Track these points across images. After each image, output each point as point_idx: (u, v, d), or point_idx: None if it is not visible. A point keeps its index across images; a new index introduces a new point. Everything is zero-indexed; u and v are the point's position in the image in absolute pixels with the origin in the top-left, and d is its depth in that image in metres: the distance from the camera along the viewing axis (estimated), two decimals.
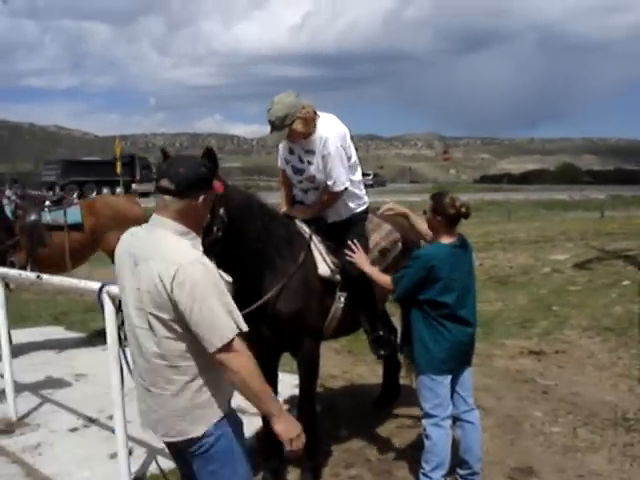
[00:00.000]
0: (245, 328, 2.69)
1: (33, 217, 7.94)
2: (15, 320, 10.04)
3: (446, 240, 4.33)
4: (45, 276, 5.29)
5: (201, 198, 2.80)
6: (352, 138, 4.74)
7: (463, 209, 4.25)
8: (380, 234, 5.12)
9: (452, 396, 4.46)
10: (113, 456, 4.73)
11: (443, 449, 4.34)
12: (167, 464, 4.98)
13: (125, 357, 4.10)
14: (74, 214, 8.10)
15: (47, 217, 8.00)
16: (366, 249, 4.74)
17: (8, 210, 7.88)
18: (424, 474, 4.35)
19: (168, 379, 2.76)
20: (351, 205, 4.87)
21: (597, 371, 7.16)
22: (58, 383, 6.96)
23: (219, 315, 2.63)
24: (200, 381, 2.77)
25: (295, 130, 4.41)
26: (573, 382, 6.82)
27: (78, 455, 5.18)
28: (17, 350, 8.30)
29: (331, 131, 4.50)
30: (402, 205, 5.17)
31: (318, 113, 4.55)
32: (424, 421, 4.41)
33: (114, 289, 4.26)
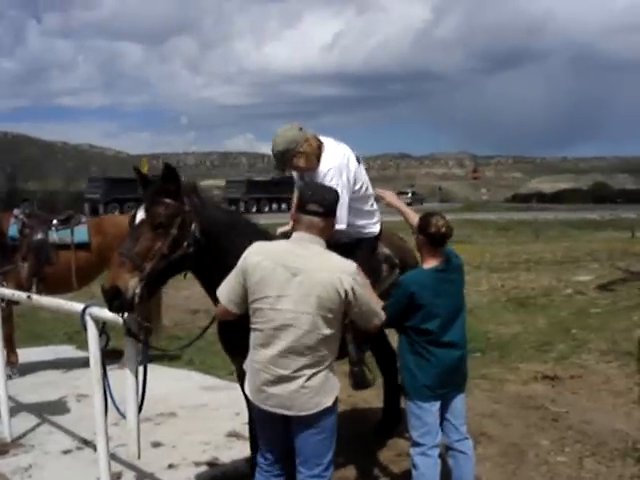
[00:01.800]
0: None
1: (40, 236, 7.93)
2: (28, 338, 10.09)
3: (430, 263, 4.19)
4: (34, 296, 5.28)
5: (335, 218, 3.64)
6: (366, 165, 4.63)
7: (443, 229, 4.11)
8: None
9: (443, 424, 4.30)
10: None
11: (431, 479, 4.18)
12: None
13: (107, 382, 4.07)
14: (81, 233, 8.08)
15: (54, 236, 7.98)
16: (370, 275, 4.57)
17: (15, 229, 7.87)
18: None
19: (313, 365, 3.40)
20: (360, 230, 4.77)
21: (612, 398, 6.92)
22: (58, 404, 6.90)
23: (377, 305, 3.73)
24: (330, 365, 3.48)
25: (297, 165, 4.39)
26: (585, 409, 6.58)
27: (66, 478, 5.10)
28: (24, 369, 8.30)
29: (331, 166, 4.38)
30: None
31: (323, 144, 4.47)
32: (411, 450, 4.27)
33: (97, 311, 4.19)
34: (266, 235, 4.19)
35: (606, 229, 33.53)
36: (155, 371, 8.43)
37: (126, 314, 3.89)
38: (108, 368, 8.28)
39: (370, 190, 4.81)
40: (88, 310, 4.24)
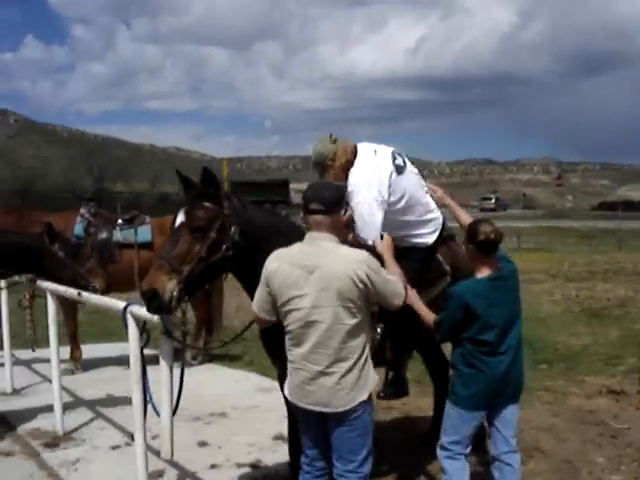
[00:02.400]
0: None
1: (105, 235, 8.14)
2: (100, 335, 10.36)
3: (483, 272, 4.06)
4: (85, 294, 5.40)
5: (342, 213, 3.59)
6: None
7: (492, 235, 3.97)
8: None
9: (492, 433, 4.20)
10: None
11: None
12: None
13: (146, 381, 4.15)
14: (144, 233, 8.24)
15: (118, 235, 8.18)
16: (417, 284, 4.46)
17: (81, 228, 8.10)
18: None
19: (344, 358, 3.46)
20: (410, 240, 4.67)
21: None
22: (115, 400, 7.01)
23: (395, 284, 3.65)
24: (363, 358, 3.53)
25: (329, 179, 4.35)
26: None
27: (111, 473, 5.19)
28: (89, 365, 8.53)
29: (356, 181, 4.31)
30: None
31: (354, 157, 4.41)
32: (438, 452, 4.20)
33: (137, 309, 4.25)
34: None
35: None
36: (215, 371, 8.60)
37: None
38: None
39: (420, 199, 4.65)
40: (129, 308, 4.30)
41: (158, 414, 4.30)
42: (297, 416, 3.75)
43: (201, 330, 8.83)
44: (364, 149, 4.50)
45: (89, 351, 8.83)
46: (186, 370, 8.54)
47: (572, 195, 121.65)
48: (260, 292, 3.68)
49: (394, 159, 4.49)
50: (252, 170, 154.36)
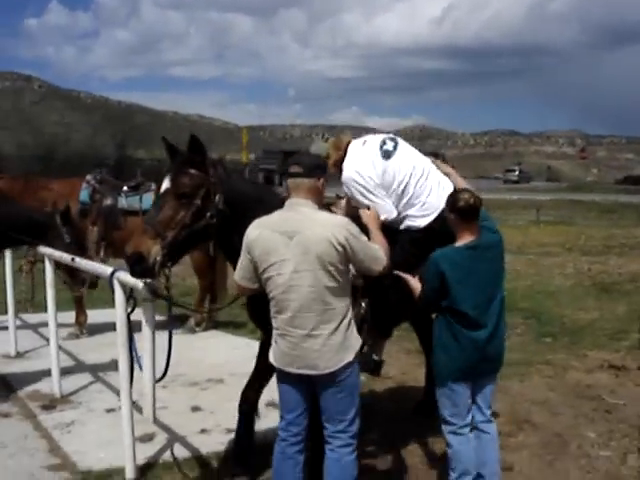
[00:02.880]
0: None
1: (110, 201, 8.19)
2: (108, 300, 10.45)
3: (463, 240, 4.04)
4: (78, 259, 5.46)
5: (320, 180, 3.69)
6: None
7: (472, 200, 3.98)
8: None
9: (472, 404, 4.22)
10: (135, 440, 4.75)
11: (466, 455, 4.12)
12: (183, 453, 5.04)
13: (133, 346, 4.23)
14: (149, 200, 8.26)
15: (123, 202, 8.23)
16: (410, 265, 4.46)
17: (86, 194, 8.16)
18: None
19: (328, 320, 3.53)
20: (403, 221, 4.62)
21: None
22: (115, 364, 7.02)
23: (375, 250, 3.74)
24: (346, 320, 3.61)
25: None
26: None
27: (103, 436, 5.26)
28: (95, 329, 8.63)
29: (347, 175, 4.52)
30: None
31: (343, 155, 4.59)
32: (443, 428, 4.22)
33: (124, 275, 4.29)
34: None
35: None
36: (217, 338, 8.68)
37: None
38: (174, 333, 8.60)
39: (412, 183, 4.53)
40: (116, 274, 4.34)
41: (141, 368, 4.39)
42: (281, 382, 3.78)
43: (205, 298, 8.89)
44: (354, 143, 4.64)
45: (97, 316, 8.92)
46: (189, 337, 8.75)
47: (597, 168, 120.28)
48: (242, 260, 3.73)
49: (382, 145, 4.56)
50: (275, 139, 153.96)
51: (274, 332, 3.69)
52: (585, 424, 5.71)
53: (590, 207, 35.43)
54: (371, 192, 4.42)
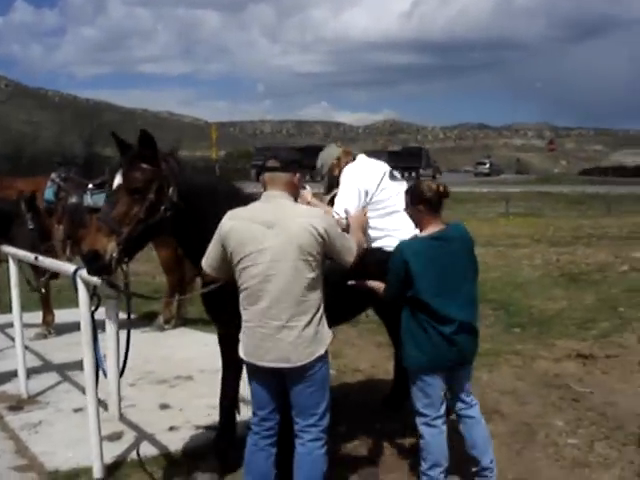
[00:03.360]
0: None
1: (75, 199, 8.09)
2: (76, 299, 10.34)
3: (427, 231, 4.07)
4: (40, 257, 5.41)
5: (296, 174, 3.76)
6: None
7: (441, 188, 4.06)
8: None
9: (450, 396, 4.29)
10: (103, 439, 4.71)
11: (437, 447, 4.15)
12: (152, 450, 5.00)
13: (97, 345, 4.20)
14: None
15: (89, 200, 8.12)
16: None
17: (51, 192, 8.06)
18: (423, 472, 4.19)
19: (303, 312, 3.55)
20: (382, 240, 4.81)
21: None
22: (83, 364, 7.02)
23: (350, 241, 3.85)
24: (319, 313, 3.63)
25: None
26: (612, 390, 6.31)
27: (71, 436, 5.19)
28: (63, 329, 8.52)
29: (347, 173, 4.93)
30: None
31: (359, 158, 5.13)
32: (416, 420, 4.23)
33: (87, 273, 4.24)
34: (249, 199, 4.14)
35: None
36: (186, 335, 8.64)
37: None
38: (141, 330, 8.52)
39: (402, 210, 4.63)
40: (79, 272, 4.29)
41: (106, 375, 4.33)
42: (251, 376, 3.76)
43: (174, 294, 8.82)
44: (363, 156, 5.17)
45: (65, 316, 8.81)
46: (158, 334, 8.69)
47: (566, 160, 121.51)
48: (213, 250, 3.74)
49: (392, 170, 5.07)
50: (245, 135, 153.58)
51: (244, 325, 3.67)
52: (553, 413, 5.75)
53: (558, 199, 35.83)
54: (357, 188, 4.70)
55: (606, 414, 5.68)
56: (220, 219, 3.88)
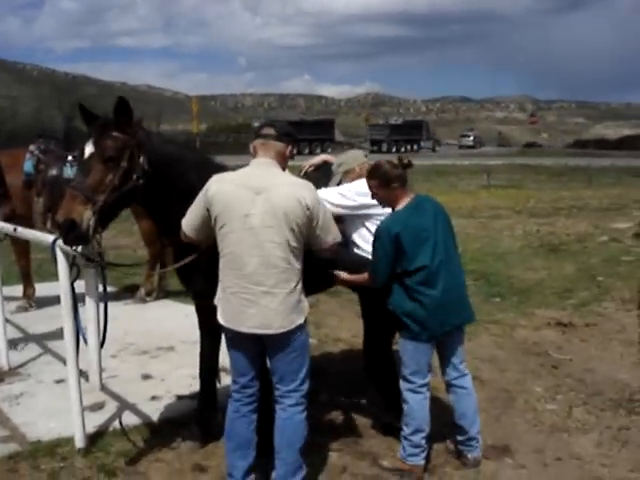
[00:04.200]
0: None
1: (55, 171, 8.00)
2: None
3: (404, 202, 4.14)
4: (20, 229, 5.36)
5: (288, 146, 3.79)
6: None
7: (405, 160, 4.20)
8: None
9: (442, 362, 4.36)
10: (85, 409, 4.72)
11: (421, 413, 4.22)
12: (134, 420, 5.02)
13: (77, 316, 4.19)
14: None
15: (69, 172, 8.03)
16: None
17: (30, 165, 7.97)
18: (405, 437, 4.25)
19: (287, 279, 3.57)
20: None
21: (622, 347, 6.73)
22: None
23: (333, 223, 3.80)
24: (300, 283, 3.66)
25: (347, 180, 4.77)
26: (590, 357, 6.42)
27: (53, 406, 5.19)
28: (44, 302, 8.48)
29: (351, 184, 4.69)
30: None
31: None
32: (401, 385, 4.28)
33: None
34: (220, 169, 4.13)
35: None
36: (168, 307, 8.62)
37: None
38: (123, 303, 8.49)
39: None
40: (58, 242, 4.26)
41: (86, 343, 4.33)
42: (231, 344, 3.77)
43: (155, 266, 8.80)
44: None
45: (46, 289, 8.76)
46: (140, 306, 8.67)
47: (547, 133, 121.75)
48: (195, 211, 3.73)
49: None
50: (226, 108, 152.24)
51: (225, 292, 3.66)
52: (532, 379, 5.83)
53: (540, 171, 35.96)
54: (357, 201, 4.45)
55: (584, 380, 5.77)
56: (189, 187, 3.91)
